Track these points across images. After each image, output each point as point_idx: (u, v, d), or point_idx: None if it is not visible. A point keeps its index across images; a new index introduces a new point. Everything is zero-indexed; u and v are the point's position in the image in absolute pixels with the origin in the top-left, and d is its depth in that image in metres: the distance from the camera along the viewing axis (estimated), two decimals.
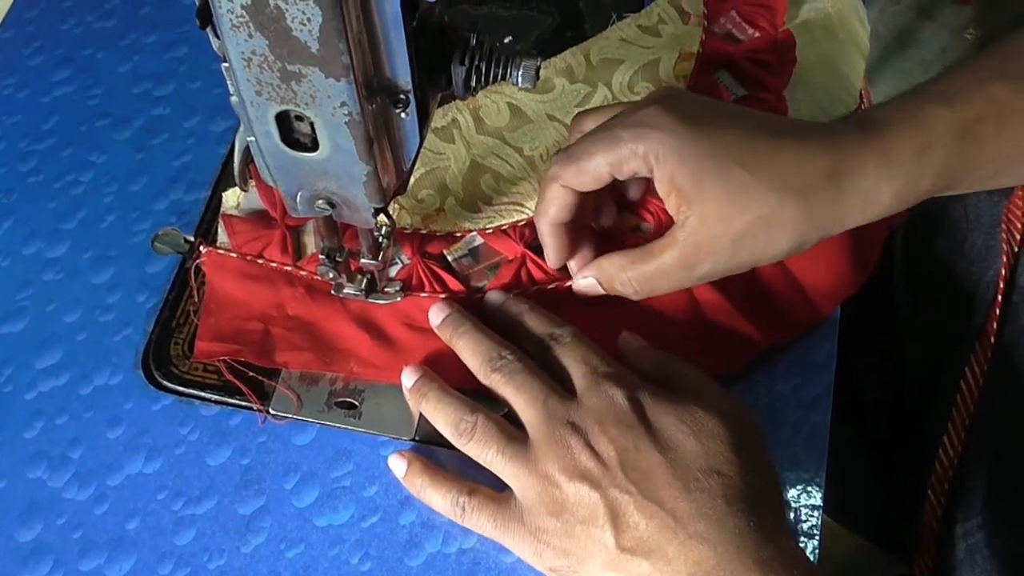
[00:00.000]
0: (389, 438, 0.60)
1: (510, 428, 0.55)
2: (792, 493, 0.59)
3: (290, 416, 0.61)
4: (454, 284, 0.63)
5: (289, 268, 0.65)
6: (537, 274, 0.64)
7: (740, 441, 0.52)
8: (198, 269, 0.66)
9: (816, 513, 0.58)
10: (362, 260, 0.60)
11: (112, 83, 0.77)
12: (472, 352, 0.58)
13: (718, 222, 0.54)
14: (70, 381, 0.64)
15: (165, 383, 0.63)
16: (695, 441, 0.51)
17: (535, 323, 0.60)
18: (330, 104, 0.45)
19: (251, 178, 0.64)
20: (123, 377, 0.64)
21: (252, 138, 0.49)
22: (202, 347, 0.63)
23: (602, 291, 0.60)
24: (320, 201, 0.52)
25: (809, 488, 0.59)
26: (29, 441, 0.62)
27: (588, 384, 0.54)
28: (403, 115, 0.47)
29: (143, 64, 0.77)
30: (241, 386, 0.61)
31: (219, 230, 0.67)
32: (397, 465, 0.58)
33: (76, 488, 0.61)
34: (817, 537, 0.58)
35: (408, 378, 0.59)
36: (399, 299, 0.63)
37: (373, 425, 0.61)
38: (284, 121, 0.47)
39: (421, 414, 0.59)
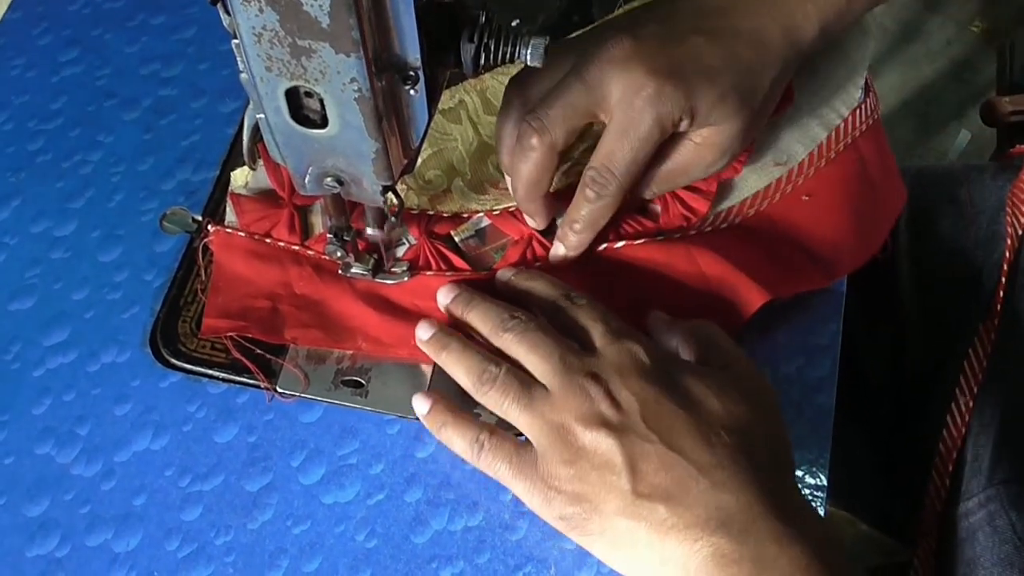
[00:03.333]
0: (395, 416, 0.61)
1: (529, 379, 0.54)
2: (797, 474, 0.59)
3: (297, 394, 0.61)
4: (460, 264, 0.64)
5: (296, 248, 0.65)
6: (543, 254, 0.64)
7: (760, 408, 0.52)
8: (206, 248, 0.66)
9: (821, 494, 0.58)
10: (368, 231, 0.60)
11: (120, 64, 0.77)
12: (483, 318, 0.58)
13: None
14: (78, 358, 0.65)
15: (173, 361, 0.63)
16: (717, 401, 0.51)
17: (548, 289, 0.59)
18: (340, 80, 0.45)
19: (259, 156, 0.64)
20: (131, 355, 0.64)
21: (261, 115, 0.49)
22: (209, 323, 0.63)
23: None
24: (329, 179, 0.52)
25: (814, 469, 0.59)
26: (37, 417, 0.63)
27: (609, 340, 0.54)
28: (412, 92, 0.47)
29: (151, 45, 0.78)
30: (248, 364, 0.62)
31: (227, 209, 0.67)
32: (420, 404, 0.58)
33: (84, 464, 0.61)
34: (823, 516, 0.58)
35: (425, 331, 0.59)
36: (406, 279, 0.63)
37: (379, 404, 0.61)
38: (294, 97, 0.47)
39: (433, 373, 0.59)
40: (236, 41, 0.45)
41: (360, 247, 0.63)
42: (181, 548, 0.58)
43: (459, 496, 0.58)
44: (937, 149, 1.79)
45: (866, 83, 0.69)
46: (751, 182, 0.66)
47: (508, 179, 0.62)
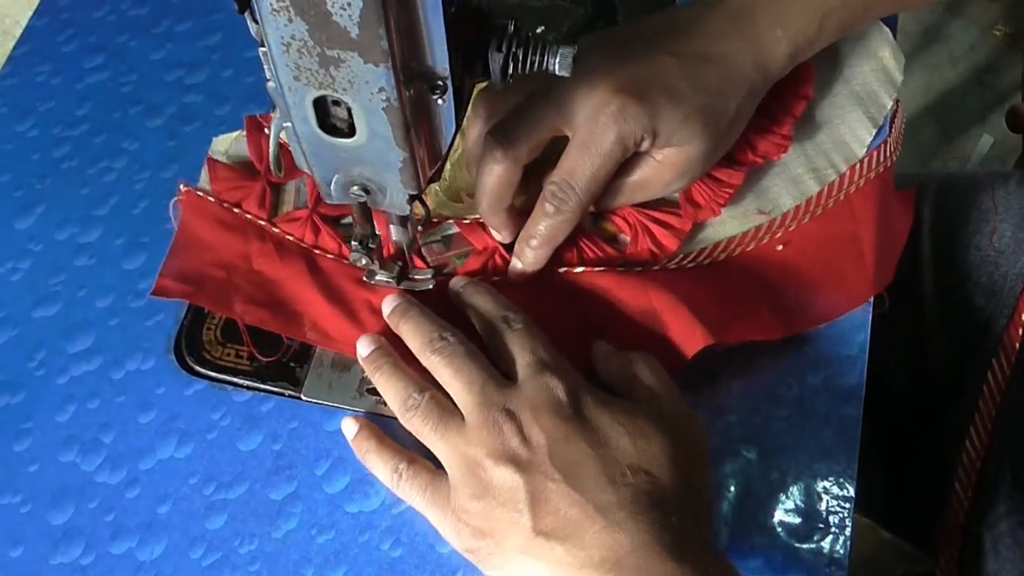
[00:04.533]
0: None
1: (451, 407, 0.55)
2: (823, 485, 0.59)
3: (322, 403, 0.61)
4: (420, 266, 0.64)
5: (263, 223, 0.66)
6: (503, 268, 0.64)
7: (676, 448, 0.52)
8: (177, 207, 0.67)
9: (848, 505, 0.58)
10: (393, 238, 0.60)
11: (145, 71, 0.77)
12: (414, 334, 0.59)
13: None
14: (102, 366, 0.65)
15: (197, 368, 0.63)
16: (628, 440, 0.52)
17: (489, 306, 0.60)
18: (368, 89, 0.45)
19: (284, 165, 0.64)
20: (155, 362, 0.64)
21: (288, 124, 0.49)
22: (161, 283, 0.64)
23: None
24: (355, 187, 0.52)
25: (841, 480, 0.59)
26: (61, 425, 0.63)
27: (530, 373, 0.54)
28: (440, 101, 0.47)
29: (176, 52, 0.78)
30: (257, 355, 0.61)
31: (202, 173, 0.68)
32: (348, 428, 0.60)
33: (108, 472, 0.61)
34: (849, 529, 0.57)
35: (364, 347, 0.60)
36: (430, 286, 0.63)
37: None
38: (321, 106, 0.47)
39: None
40: (263, 49, 0.45)
41: (385, 255, 0.62)
42: (205, 556, 0.58)
43: None
44: (959, 154, 1.78)
45: (892, 119, 0.68)
46: (729, 227, 0.65)
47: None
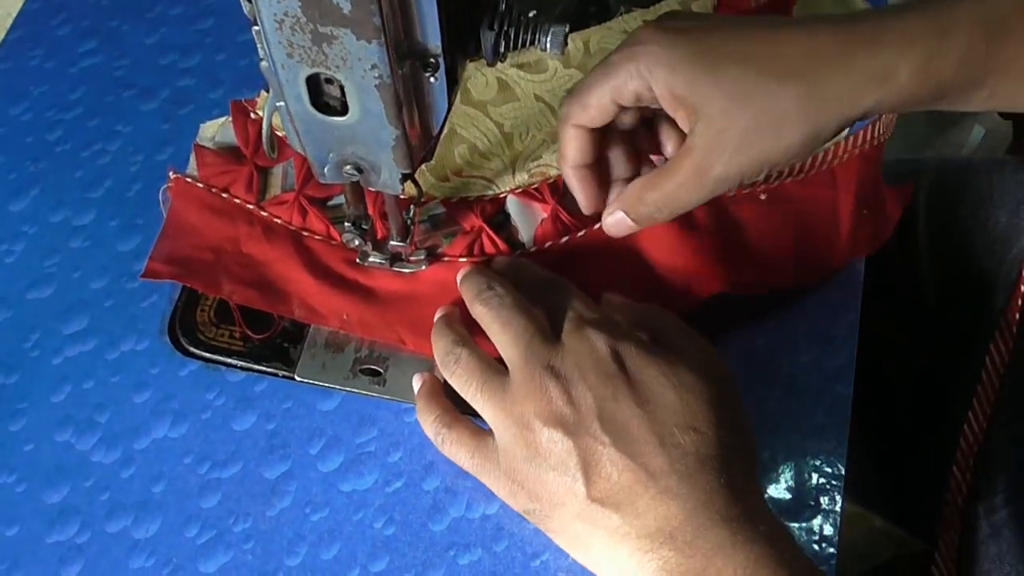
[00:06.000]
0: (413, 405, 0.61)
1: (494, 365, 0.55)
2: (814, 463, 0.59)
3: (315, 382, 0.62)
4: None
5: (251, 207, 0.66)
6: (489, 248, 0.64)
7: (718, 397, 0.52)
8: (167, 194, 0.67)
9: (838, 483, 0.59)
10: (391, 243, 0.61)
11: (138, 54, 0.77)
12: (467, 288, 0.59)
13: (722, 118, 0.52)
14: (97, 347, 0.65)
15: (191, 349, 0.64)
16: (674, 395, 0.51)
17: (533, 273, 0.60)
18: (361, 67, 0.45)
19: (277, 145, 0.64)
20: (149, 343, 0.64)
21: (281, 103, 0.49)
22: (152, 266, 0.64)
23: (631, 224, 0.58)
24: (348, 167, 0.52)
25: (831, 458, 0.59)
26: (56, 405, 0.63)
27: (573, 328, 0.54)
28: (432, 79, 0.48)
29: (169, 36, 0.78)
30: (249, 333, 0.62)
31: (191, 159, 0.68)
32: (416, 382, 0.60)
33: (103, 451, 0.61)
34: (839, 506, 0.58)
35: (438, 312, 0.61)
36: (423, 267, 0.63)
37: (397, 392, 0.61)
38: (314, 85, 0.47)
39: None
40: (256, 28, 0.45)
41: (378, 236, 0.63)
42: (200, 535, 0.58)
43: (477, 484, 0.58)
44: (953, 143, 1.78)
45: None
46: None
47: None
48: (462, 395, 0.55)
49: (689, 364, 0.53)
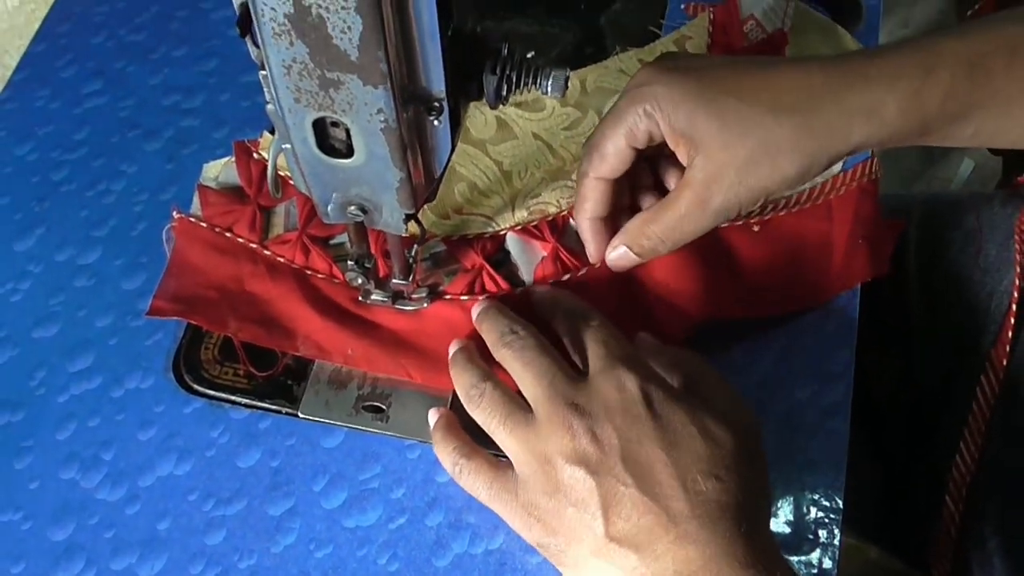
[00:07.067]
0: (416, 441, 0.61)
1: (518, 400, 0.55)
2: (812, 497, 0.60)
3: (319, 419, 0.62)
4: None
5: (255, 246, 0.67)
6: (490, 287, 0.65)
7: (743, 449, 0.52)
8: (170, 233, 0.68)
9: (836, 517, 0.59)
10: (393, 281, 0.62)
11: (143, 95, 0.78)
12: (489, 331, 0.59)
13: (721, 152, 0.54)
14: (102, 384, 0.65)
15: (196, 387, 0.64)
16: (700, 442, 0.51)
17: (568, 304, 0.61)
18: (367, 111, 0.46)
19: (282, 186, 0.65)
20: (154, 381, 0.65)
21: (288, 145, 0.50)
22: (156, 305, 0.65)
23: (634, 257, 0.60)
24: (352, 207, 0.53)
25: (829, 492, 0.60)
26: (62, 443, 0.64)
27: (602, 367, 0.54)
28: (436, 122, 0.48)
29: (173, 76, 0.79)
30: (255, 371, 0.62)
31: (194, 199, 0.69)
32: (432, 416, 0.60)
33: (108, 489, 0.62)
34: (837, 539, 0.58)
35: (452, 348, 0.61)
36: (425, 305, 0.64)
37: (400, 429, 0.62)
38: (320, 128, 0.48)
39: (452, 398, 0.61)
40: (264, 73, 0.46)
41: (381, 275, 0.64)
42: (205, 572, 0.59)
43: (480, 520, 0.59)
44: (941, 177, 1.80)
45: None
46: None
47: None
48: (485, 429, 0.55)
49: (717, 412, 0.53)
